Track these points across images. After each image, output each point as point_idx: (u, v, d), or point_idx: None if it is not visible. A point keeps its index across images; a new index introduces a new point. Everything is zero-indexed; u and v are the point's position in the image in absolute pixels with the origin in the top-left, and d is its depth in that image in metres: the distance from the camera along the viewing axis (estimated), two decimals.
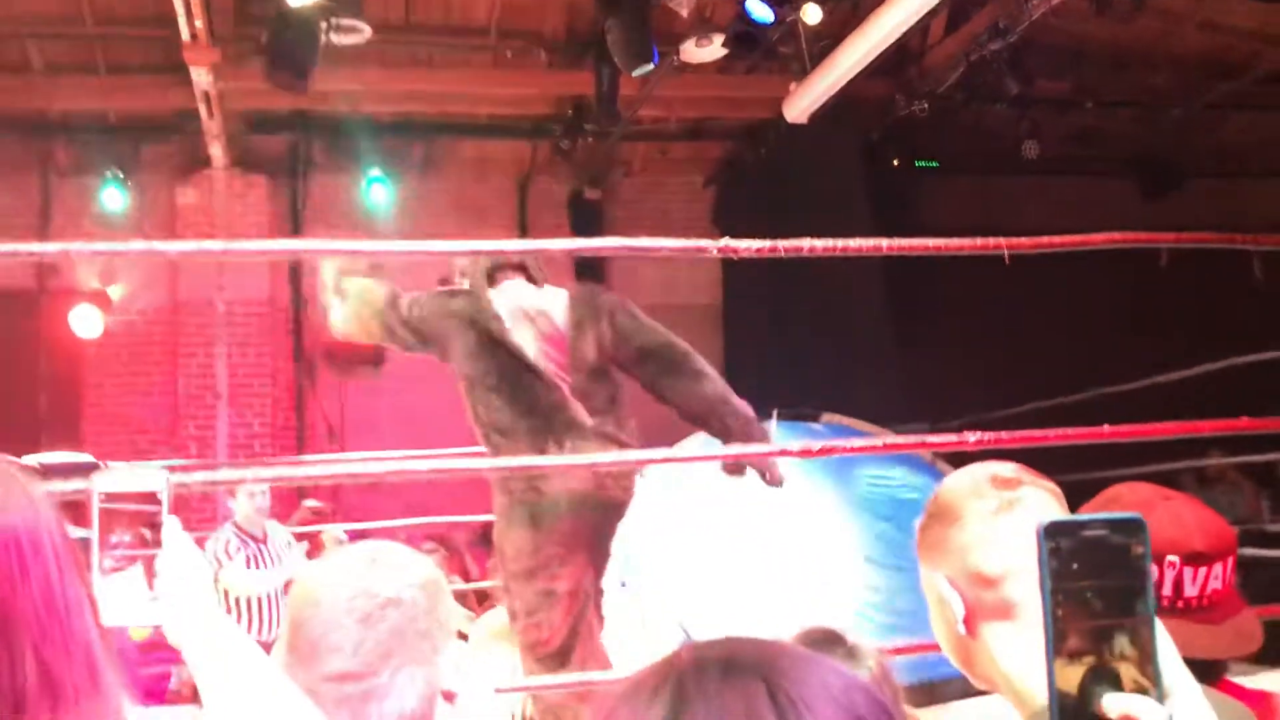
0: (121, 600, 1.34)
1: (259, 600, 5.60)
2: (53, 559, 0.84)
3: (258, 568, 5.70)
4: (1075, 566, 0.73)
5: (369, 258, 3.89)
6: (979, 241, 3.28)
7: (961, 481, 1.33)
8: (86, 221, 8.31)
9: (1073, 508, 1.34)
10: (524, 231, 9.34)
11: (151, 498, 1.40)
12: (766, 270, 6.28)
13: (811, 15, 6.29)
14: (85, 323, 8.53)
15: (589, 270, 8.05)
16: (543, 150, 9.09)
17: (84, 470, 4.86)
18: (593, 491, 3.63)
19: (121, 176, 8.37)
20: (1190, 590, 1.55)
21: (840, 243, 3.19)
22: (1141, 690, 0.72)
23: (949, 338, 8.30)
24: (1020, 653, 1.20)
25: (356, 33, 6.62)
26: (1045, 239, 3.37)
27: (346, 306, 3.92)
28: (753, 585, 5.59)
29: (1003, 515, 1.26)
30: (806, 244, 3.13)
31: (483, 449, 3.80)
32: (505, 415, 3.66)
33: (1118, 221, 3.80)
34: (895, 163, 8.68)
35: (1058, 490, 1.32)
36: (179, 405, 8.69)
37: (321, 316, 4.14)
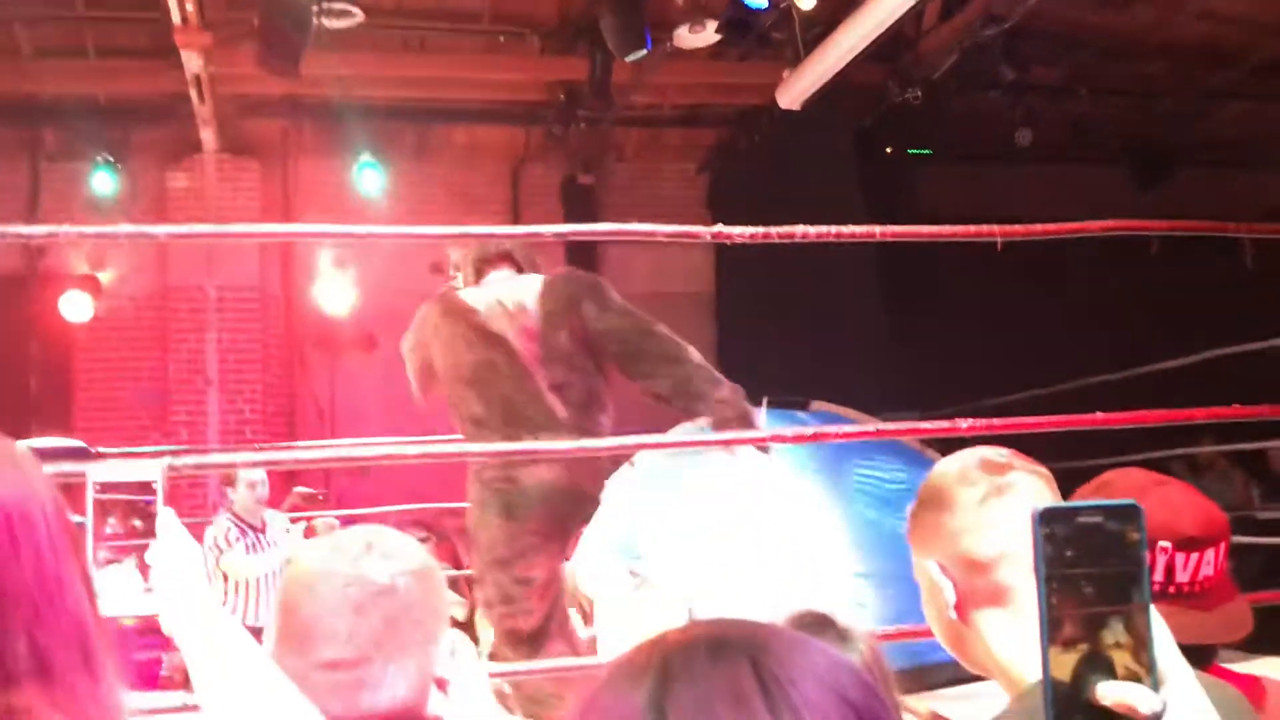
0: (116, 591, 1.33)
1: (258, 581, 5.62)
2: (45, 536, 0.83)
3: (257, 555, 5.72)
4: (1070, 553, 0.72)
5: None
6: (972, 229, 3.29)
7: (952, 467, 1.32)
8: (76, 206, 8.24)
9: (1065, 494, 1.34)
10: (516, 217, 9.33)
11: (146, 488, 1.39)
12: (759, 257, 6.25)
13: (805, 1, 6.27)
14: (75, 308, 8.49)
15: (581, 257, 8.03)
16: (535, 136, 9.06)
17: (75, 455, 4.85)
18: (566, 483, 3.64)
19: (112, 161, 8.32)
20: (1182, 576, 1.55)
21: (833, 229, 3.19)
22: (1136, 678, 0.72)
23: (941, 325, 8.29)
24: (1012, 637, 1.20)
25: (348, 17, 6.59)
26: (1038, 226, 3.37)
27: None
28: (747, 572, 5.59)
29: (994, 500, 1.26)
30: (799, 230, 3.13)
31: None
32: (479, 408, 3.66)
33: (1110, 209, 3.81)
34: (888, 150, 8.66)
35: (1049, 475, 1.32)
36: (170, 390, 8.67)
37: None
